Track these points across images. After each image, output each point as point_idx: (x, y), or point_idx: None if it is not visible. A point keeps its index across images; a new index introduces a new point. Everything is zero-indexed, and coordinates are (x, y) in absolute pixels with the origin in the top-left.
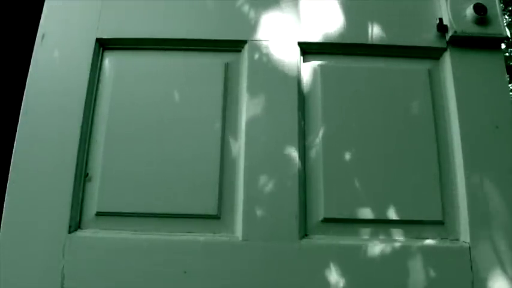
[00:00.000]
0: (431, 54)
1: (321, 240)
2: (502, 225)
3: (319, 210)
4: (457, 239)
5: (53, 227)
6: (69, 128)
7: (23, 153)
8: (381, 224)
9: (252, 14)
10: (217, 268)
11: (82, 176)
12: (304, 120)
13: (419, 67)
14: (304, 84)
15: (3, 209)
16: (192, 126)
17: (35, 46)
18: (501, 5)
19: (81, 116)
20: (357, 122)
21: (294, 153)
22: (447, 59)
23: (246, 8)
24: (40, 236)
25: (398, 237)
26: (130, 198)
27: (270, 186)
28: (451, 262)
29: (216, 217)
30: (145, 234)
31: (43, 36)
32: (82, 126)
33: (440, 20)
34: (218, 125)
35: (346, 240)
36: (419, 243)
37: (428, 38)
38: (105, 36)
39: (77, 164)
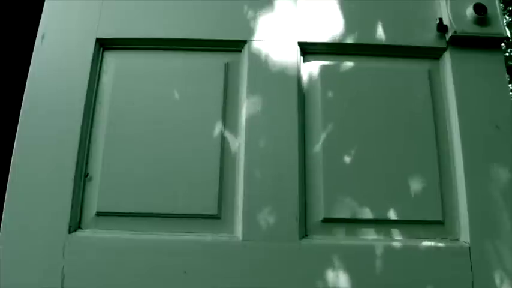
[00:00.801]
0: (431, 54)
1: (321, 240)
2: (502, 225)
3: (319, 210)
4: (457, 239)
5: (53, 227)
6: (69, 128)
7: (23, 153)
8: (380, 224)
9: (251, 14)
10: (217, 268)
11: (82, 176)
12: (304, 120)
13: (419, 67)
14: (304, 84)
15: (3, 209)
16: (192, 126)
17: (35, 46)
18: (501, 5)
19: (81, 116)
20: (357, 122)
21: (294, 153)
22: (447, 59)
23: (245, 8)
24: (40, 236)
25: (398, 237)
26: (131, 198)
27: (270, 187)
28: (451, 262)
29: (216, 217)
30: (146, 234)
31: (43, 36)
32: (82, 126)
33: (440, 20)
34: (218, 125)
35: (346, 240)
36: (419, 243)
37: (428, 38)
38: (105, 36)
39: (77, 164)
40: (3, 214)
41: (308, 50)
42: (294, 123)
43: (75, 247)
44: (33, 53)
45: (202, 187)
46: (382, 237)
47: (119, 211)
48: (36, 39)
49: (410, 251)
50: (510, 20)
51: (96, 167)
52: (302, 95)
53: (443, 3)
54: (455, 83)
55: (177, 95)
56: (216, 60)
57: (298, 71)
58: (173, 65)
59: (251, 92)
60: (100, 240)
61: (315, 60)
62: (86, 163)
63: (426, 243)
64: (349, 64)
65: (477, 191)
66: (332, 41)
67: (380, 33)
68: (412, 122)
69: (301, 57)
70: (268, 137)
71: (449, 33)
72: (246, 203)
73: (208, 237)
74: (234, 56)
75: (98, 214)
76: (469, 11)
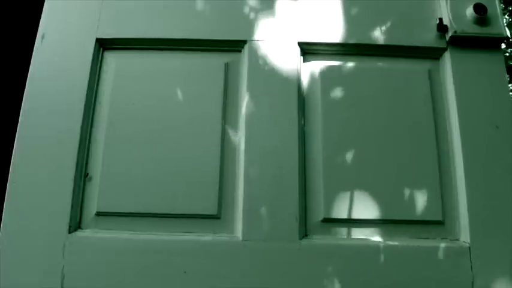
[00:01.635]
0: (431, 54)
1: (321, 240)
2: (502, 225)
3: (319, 210)
4: (457, 239)
5: (53, 227)
6: (69, 128)
7: (23, 153)
8: (380, 224)
9: (251, 13)
10: (217, 268)
11: (82, 176)
12: (304, 120)
13: (420, 67)
14: (304, 84)
15: (3, 209)
16: (192, 126)
17: (35, 46)
18: (501, 5)
19: (81, 116)
20: (357, 122)
21: (293, 153)
22: (447, 59)
23: (245, 8)
24: (40, 236)
25: (399, 237)
26: (131, 198)
27: (270, 186)
28: (451, 262)
29: (216, 217)
30: (146, 234)
31: (43, 36)
32: (82, 126)
33: (440, 20)
34: (218, 125)
35: (346, 240)
36: (419, 243)
37: (428, 38)
38: (105, 36)
39: (77, 164)
40: (3, 214)
41: (308, 50)
42: (294, 123)
43: (75, 247)
44: (33, 53)
45: (202, 187)
46: (382, 237)
47: (119, 211)
48: (36, 39)
49: (410, 251)
50: (510, 20)
51: (96, 167)
52: (302, 95)
53: (443, 3)
54: (455, 83)
55: (177, 95)
56: (216, 60)
57: (298, 71)
58: (173, 65)
59: (251, 92)
60: (100, 240)
61: (314, 60)
62: (86, 163)
63: (426, 243)
64: (349, 64)
65: (477, 191)
66: (332, 41)
67: (380, 33)
68: (412, 122)
69: (301, 57)
70: (268, 137)
71: (449, 33)
72: (246, 203)
73: (208, 237)
74: (234, 56)
75: (98, 214)
76: (469, 11)
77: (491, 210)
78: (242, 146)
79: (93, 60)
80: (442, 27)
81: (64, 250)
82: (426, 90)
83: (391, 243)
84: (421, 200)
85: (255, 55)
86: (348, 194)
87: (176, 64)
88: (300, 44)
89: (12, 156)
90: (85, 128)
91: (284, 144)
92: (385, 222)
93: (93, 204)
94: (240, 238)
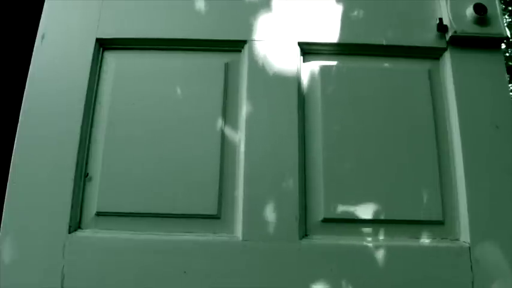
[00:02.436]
0: (431, 54)
1: (321, 240)
2: (502, 225)
3: (319, 210)
4: (457, 239)
5: (53, 227)
6: (69, 128)
7: (23, 153)
8: (380, 224)
9: (251, 14)
10: (217, 268)
11: (82, 176)
12: (304, 120)
13: (420, 67)
14: (304, 84)
15: (3, 209)
16: (192, 126)
17: (35, 46)
18: (501, 5)
19: (81, 116)
20: (357, 122)
21: (293, 153)
22: (447, 59)
23: (246, 8)
24: (40, 236)
25: (399, 237)
26: (131, 198)
27: (270, 186)
28: (451, 262)
29: (216, 217)
30: (145, 234)
31: (43, 36)
32: (82, 126)
33: (440, 20)
34: (218, 125)
35: (346, 240)
36: (419, 243)
37: (428, 38)
38: (105, 36)
39: (77, 164)
40: (3, 214)
41: (308, 50)
42: (294, 123)
43: (75, 247)
44: (33, 53)
45: (202, 187)
46: (382, 237)
47: (119, 211)
48: (36, 39)
49: (410, 251)
50: (510, 20)
51: (96, 167)
52: (302, 95)
53: (443, 3)
54: (455, 83)
55: (177, 95)
56: (216, 60)
57: (298, 71)
58: (173, 65)
59: (251, 92)
60: (100, 240)
61: (315, 60)
62: (86, 163)
63: (426, 243)
64: (349, 64)
65: (477, 191)
66: (332, 41)
67: (380, 33)
68: (412, 122)
69: (301, 57)
70: (268, 137)
71: (449, 33)
72: (246, 202)
73: (208, 237)
74: (234, 56)
75: (98, 214)
76: (469, 11)
77: (491, 210)
78: (242, 146)
79: (93, 60)
80: (442, 27)
81: (64, 250)
82: (426, 90)
83: (391, 243)
84: (421, 200)
85: (255, 55)
86: (348, 194)
87: (176, 64)
88: (300, 44)
89: (12, 156)
90: (85, 128)
91: (284, 144)
92: (385, 222)
93: (93, 204)
94: (240, 238)
